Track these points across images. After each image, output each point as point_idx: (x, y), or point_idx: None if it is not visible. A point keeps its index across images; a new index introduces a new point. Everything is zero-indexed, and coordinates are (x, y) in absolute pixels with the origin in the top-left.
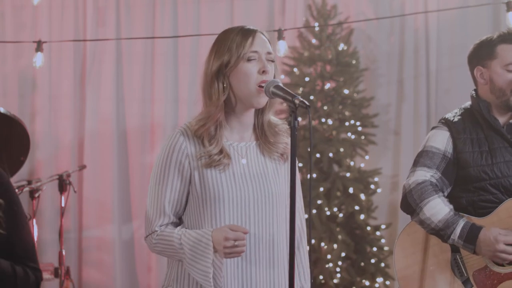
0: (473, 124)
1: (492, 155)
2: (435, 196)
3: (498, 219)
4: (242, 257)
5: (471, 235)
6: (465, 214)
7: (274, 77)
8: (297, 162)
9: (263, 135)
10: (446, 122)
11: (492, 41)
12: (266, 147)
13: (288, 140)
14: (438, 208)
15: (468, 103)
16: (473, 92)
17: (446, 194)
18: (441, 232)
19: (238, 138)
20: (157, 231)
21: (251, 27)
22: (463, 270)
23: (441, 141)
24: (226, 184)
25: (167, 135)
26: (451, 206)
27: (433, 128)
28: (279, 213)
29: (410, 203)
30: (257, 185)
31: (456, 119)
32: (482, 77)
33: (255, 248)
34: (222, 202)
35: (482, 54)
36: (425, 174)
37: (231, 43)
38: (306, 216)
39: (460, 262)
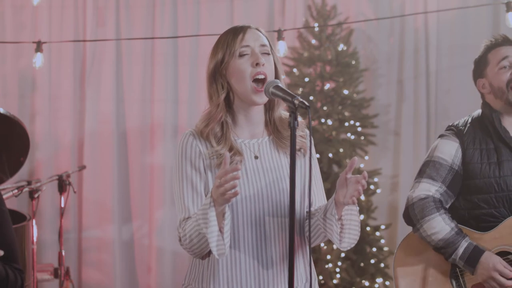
0: (483, 133)
1: (500, 168)
2: (436, 214)
3: (500, 235)
4: (257, 253)
5: (473, 258)
6: (467, 228)
7: (276, 73)
8: (314, 153)
9: (276, 130)
10: (457, 132)
11: (483, 54)
12: (280, 142)
13: (303, 133)
14: (438, 227)
15: (478, 111)
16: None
17: (449, 205)
18: (441, 250)
19: (249, 135)
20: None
21: (244, 25)
22: (462, 283)
23: (449, 152)
24: (238, 181)
25: (168, 136)
26: (453, 224)
27: (442, 136)
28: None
29: (411, 217)
30: (271, 181)
31: (466, 128)
32: (484, 87)
33: (271, 244)
34: (235, 200)
35: (478, 68)
36: (429, 188)
37: (223, 42)
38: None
39: (459, 275)
